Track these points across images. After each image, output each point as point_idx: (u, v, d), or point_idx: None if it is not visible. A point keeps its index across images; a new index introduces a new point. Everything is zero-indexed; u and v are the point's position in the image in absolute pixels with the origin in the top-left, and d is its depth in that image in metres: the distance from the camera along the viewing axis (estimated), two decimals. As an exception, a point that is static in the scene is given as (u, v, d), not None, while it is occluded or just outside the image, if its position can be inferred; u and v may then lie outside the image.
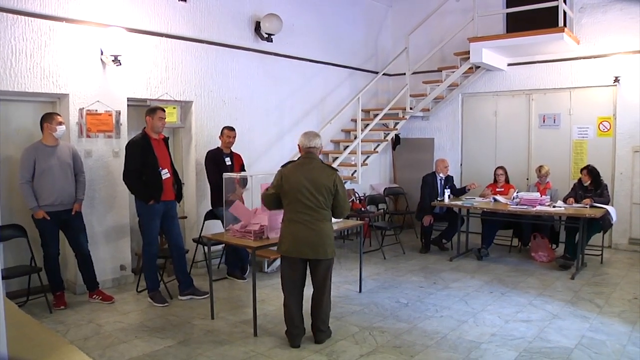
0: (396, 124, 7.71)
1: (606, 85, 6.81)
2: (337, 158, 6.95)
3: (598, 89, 6.92)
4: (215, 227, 5.49)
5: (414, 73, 7.65)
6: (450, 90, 8.00)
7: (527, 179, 7.38)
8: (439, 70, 7.74)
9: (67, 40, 4.78)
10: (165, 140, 4.81)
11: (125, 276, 5.31)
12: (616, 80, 6.68)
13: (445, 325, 4.13)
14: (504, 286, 5.22)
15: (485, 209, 6.23)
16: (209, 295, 4.40)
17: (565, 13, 6.42)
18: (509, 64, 7.57)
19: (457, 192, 6.96)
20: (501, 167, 6.94)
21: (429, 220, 6.74)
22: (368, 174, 7.87)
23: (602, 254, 6.21)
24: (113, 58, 4.98)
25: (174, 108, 5.67)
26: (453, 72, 7.48)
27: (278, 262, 5.91)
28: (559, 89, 7.21)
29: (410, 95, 7.66)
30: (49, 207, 4.41)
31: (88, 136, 4.98)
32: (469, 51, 6.98)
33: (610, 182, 6.70)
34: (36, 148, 4.41)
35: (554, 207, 5.91)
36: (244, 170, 5.68)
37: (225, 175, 4.89)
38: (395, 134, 8.09)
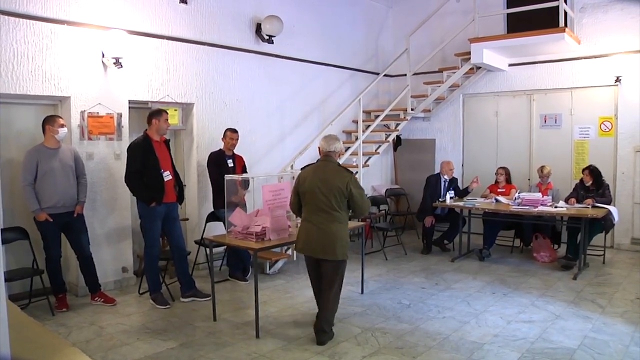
0: (397, 125, 7.70)
1: (607, 85, 6.80)
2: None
3: (599, 89, 6.91)
4: (217, 228, 5.50)
5: (414, 74, 7.65)
6: (451, 90, 8.00)
7: (529, 179, 7.37)
8: (440, 71, 7.74)
9: (69, 43, 4.79)
10: (167, 142, 4.81)
11: (127, 278, 5.31)
12: (617, 80, 6.67)
13: (447, 326, 4.12)
14: (506, 287, 5.21)
15: (486, 210, 6.23)
16: (211, 297, 4.40)
17: (566, 13, 6.42)
18: (510, 65, 7.56)
19: (461, 194, 6.95)
20: (502, 168, 6.93)
21: (430, 221, 6.74)
22: (369, 175, 7.86)
23: (604, 254, 6.20)
24: (114, 60, 4.99)
25: (176, 110, 5.68)
26: (454, 72, 7.48)
27: (280, 264, 5.92)
28: (560, 89, 7.20)
29: (412, 96, 7.66)
30: (51, 209, 4.42)
31: (89, 138, 4.99)
32: (469, 52, 6.97)
33: (612, 182, 6.68)
34: (38, 150, 4.43)
35: (555, 207, 5.90)
36: (246, 172, 5.68)
37: (227, 177, 4.89)
38: (397, 135, 8.07)
